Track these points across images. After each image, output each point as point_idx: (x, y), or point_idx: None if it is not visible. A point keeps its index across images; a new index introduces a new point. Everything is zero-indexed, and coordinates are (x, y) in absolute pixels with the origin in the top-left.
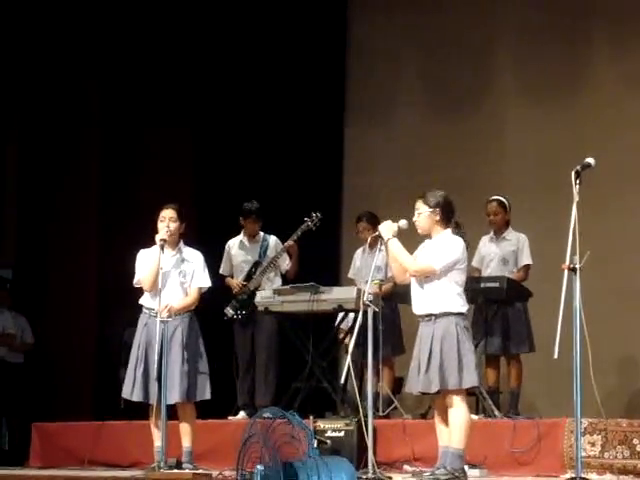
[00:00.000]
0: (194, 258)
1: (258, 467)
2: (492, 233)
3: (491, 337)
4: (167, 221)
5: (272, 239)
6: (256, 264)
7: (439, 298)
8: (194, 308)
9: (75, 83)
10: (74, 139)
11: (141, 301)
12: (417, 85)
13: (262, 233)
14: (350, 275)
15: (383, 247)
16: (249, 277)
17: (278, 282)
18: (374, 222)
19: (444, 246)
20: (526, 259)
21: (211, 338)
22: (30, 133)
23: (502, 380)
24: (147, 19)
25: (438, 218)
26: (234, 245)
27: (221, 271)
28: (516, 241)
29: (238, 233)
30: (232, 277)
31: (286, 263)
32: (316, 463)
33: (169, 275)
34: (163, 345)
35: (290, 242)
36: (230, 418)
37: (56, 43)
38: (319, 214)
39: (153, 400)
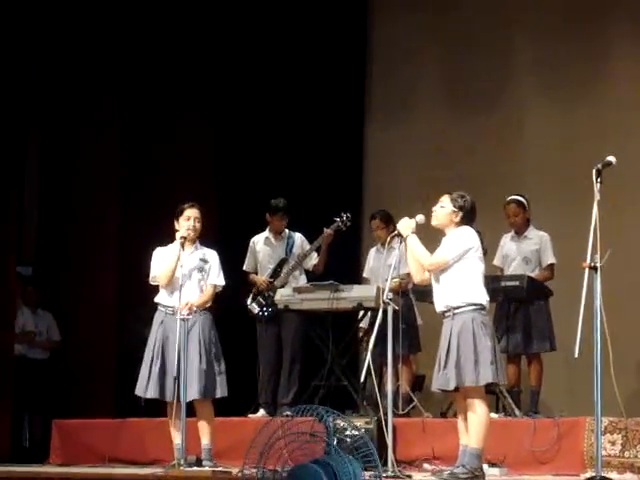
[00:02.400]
0: (210, 257)
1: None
2: (513, 232)
3: (512, 335)
4: (193, 220)
5: (297, 236)
6: (282, 261)
7: (456, 289)
8: (209, 306)
9: (95, 79)
10: (94, 138)
11: (157, 299)
12: (437, 84)
13: (287, 230)
14: (365, 274)
15: (396, 245)
16: (275, 274)
17: (303, 280)
18: (388, 220)
19: (455, 237)
20: (550, 258)
21: (232, 335)
22: (50, 134)
23: (522, 378)
24: (172, 15)
25: (457, 220)
26: (259, 241)
27: (245, 267)
28: (538, 240)
29: (259, 230)
30: (256, 273)
31: (312, 262)
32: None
33: (187, 273)
34: (181, 343)
35: (329, 231)
36: (250, 416)
37: (77, 38)
38: (349, 214)
39: (168, 397)
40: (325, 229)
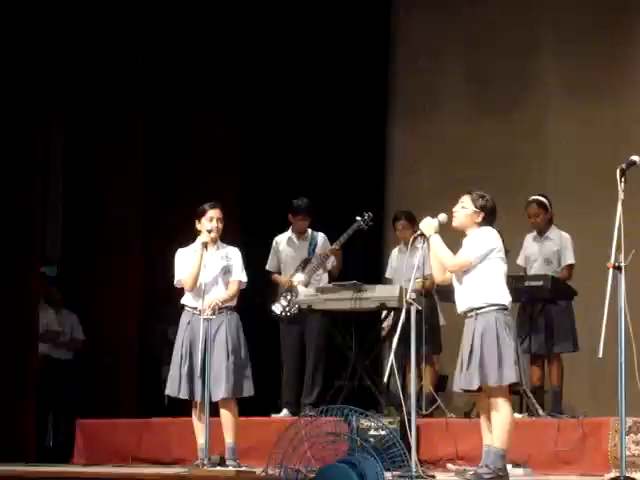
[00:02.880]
0: (233, 254)
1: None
2: (535, 232)
3: (535, 335)
4: (215, 221)
5: (320, 236)
6: (305, 261)
7: (478, 290)
8: (235, 305)
9: (120, 70)
10: (118, 137)
11: (183, 301)
12: (459, 83)
13: (310, 230)
14: (387, 275)
15: (419, 245)
16: (298, 274)
17: (325, 280)
18: (412, 220)
19: (477, 237)
20: (569, 259)
21: (256, 335)
22: (74, 131)
23: (546, 378)
24: (201, 7)
25: (479, 220)
26: (282, 241)
27: (268, 267)
28: (559, 240)
29: (281, 230)
30: (279, 273)
31: (331, 262)
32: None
33: (212, 273)
34: (207, 343)
35: (335, 247)
36: (273, 416)
37: (99, 30)
38: (370, 214)
39: (198, 397)
40: (351, 226)
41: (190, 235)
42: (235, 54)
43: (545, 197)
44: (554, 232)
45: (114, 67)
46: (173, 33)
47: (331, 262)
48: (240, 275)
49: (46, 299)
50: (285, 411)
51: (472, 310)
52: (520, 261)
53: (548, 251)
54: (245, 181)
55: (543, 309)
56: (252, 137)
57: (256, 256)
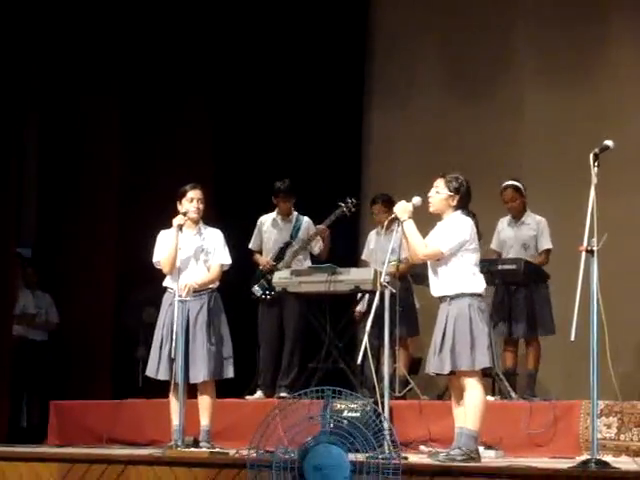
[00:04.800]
0: (214, 236)
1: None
2: (510, 217)
3: (512, 319)
4: (196, 202)
5: (305, 220)
6: (287, 244)
7: (452, 280)
8: (217, 287)
9: (96, 62)
10: (93, 120)
11: (165, 283)
12: (436, 68)
13: (296, 213)
14: (363, 257)
15: (395, 228)
16: (279, 257)
17: (308, 264)
18: (389, 204)
19: (451, 227)
20: (546, 243)
21: (235, 315)
22: (49, 115)
23: (519, 362)
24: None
25: (454, 204)
26: (266, 222)
27: (250, 246)
28: (535, 225)
29: (257, 212)
30: (261, 253)
31: (318, 246)
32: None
33: (192, 255)
34: (188, 325)
35: (322, 227)
36: (247, 397)
37: (76, 24)
38: (354, 200)
39: (179, 378)
40: (334, 212)
41: (166, 217)
42: (212, 35)
43: (519, 182)
44: (530, 217)
45: (92, 50)
46: (148, 21)
47: (318, 246)
48: (221, 258)
49: (24, 280)
50: (259, 393)
51: (445, 297)
52: (494, 245)
53: (525, 236)
54: (221, 166)
55: (518, 293)
56: (227, 121)
57: (233, 239)
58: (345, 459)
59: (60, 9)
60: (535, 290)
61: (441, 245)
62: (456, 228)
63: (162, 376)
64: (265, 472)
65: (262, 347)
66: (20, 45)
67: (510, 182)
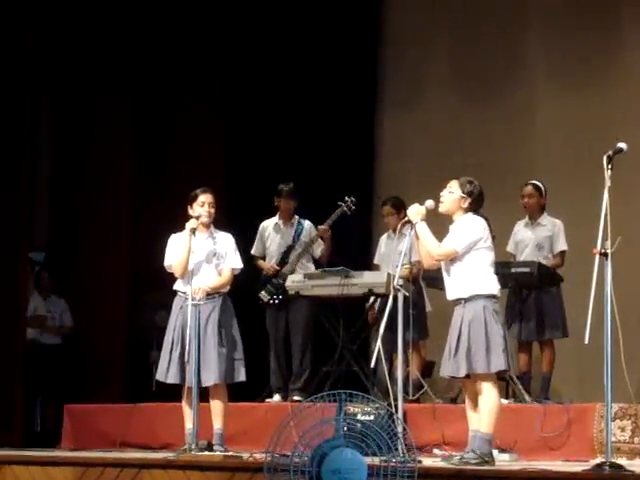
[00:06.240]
0: (226, 240)
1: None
2: (527, 218)
3: (525, 322)
4: (207, 206)
5: (307, 224)
6: (289, 248)
7: (466, 281)
8: (228, 291)
9: (108, 62)
10: (106, 125)
11: (175, 287)
12: (448, 70)
13: (297, 217)
14: (376, 261)
15: (407, 232)
16: (283, 261)
17: (311, 268)
18: (399, 207)
19: (464, 226)
20: (562, 245)
21: (244, 320)
22: (62, 115)
23: (533, 365)
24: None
25: (466, 206)
26: (268, 226)
27: (253, 251)
28: (551, 227)
29: (267, 215)
30: (264, 259)
31: (320, 249)
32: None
33: (204, 259)
34: (199, 328)
35: (324, 227)
36: (267, 400)
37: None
38: (353, 198)
39: (189, 382)
40: (335, 212)
41: (178, 221)
42: (225, 39)
43: (541, 183)
44: (546, 219)
45: (103, 53)
46: (160, 22)
47: (320, 249)
48: (233, 262)
49: (36, 284)
50: (277, 396)
51: (460, 300)
52: (510, 248)
53: (540, 237)
54: (232, 167)
55: (532, 295)
56: (239, 124)
57: (243, 243)
58: (362, 462)
59: (78, 8)
60: (545, 292)
61: (455, 244)
62: (469, 227)
63: (172, 379)
64: (282, 476)
65: (272, 352)
66: (33, 43)
67: (533, 181)
